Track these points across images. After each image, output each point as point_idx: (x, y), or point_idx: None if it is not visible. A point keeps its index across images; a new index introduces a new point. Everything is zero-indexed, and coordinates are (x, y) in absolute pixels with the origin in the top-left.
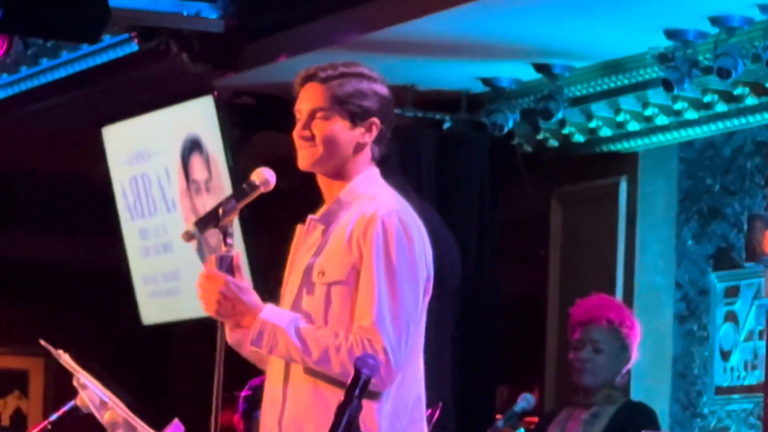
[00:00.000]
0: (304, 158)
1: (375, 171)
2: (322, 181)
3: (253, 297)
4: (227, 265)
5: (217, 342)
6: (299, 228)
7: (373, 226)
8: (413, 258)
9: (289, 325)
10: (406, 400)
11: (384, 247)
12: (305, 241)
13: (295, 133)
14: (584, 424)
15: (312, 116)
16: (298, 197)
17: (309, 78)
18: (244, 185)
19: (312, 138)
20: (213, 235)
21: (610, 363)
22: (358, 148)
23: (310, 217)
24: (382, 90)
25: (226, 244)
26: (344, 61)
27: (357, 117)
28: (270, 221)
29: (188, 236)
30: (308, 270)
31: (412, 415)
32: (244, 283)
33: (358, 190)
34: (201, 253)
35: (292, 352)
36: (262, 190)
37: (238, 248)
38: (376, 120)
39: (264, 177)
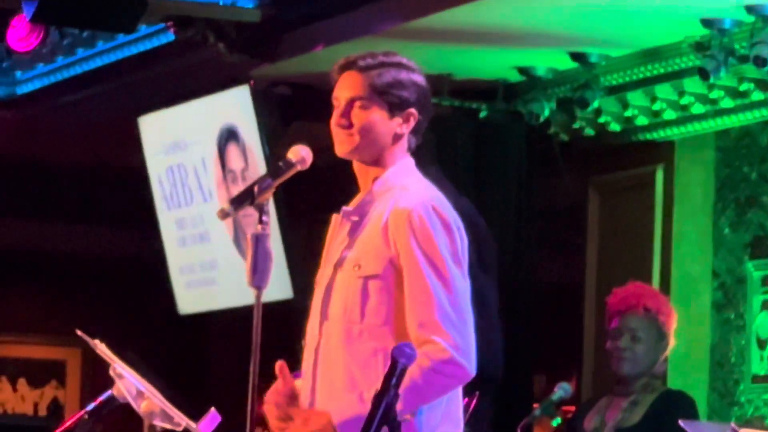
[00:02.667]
0: (342, 146)
1: (410, 161)
2: (358, 168)
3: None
4: (263, 244)
5: (253, 332)
6: (334, 218)
7: (409, 221)
8: (455, 242)
9: (361, 406)
10: None
11: (424, 241)
12: (339, 232)
13: (333, 122)
14: (623, 411)
15: (350, 105)
16: (335, 187)
17: (348, 66)
18: (281, 163)
19: (350, 126)
20: (250, 225)
21: (648, 351)
22: (396, 138)
23: (344, 208)
24: (421, 80)
25: (261, 222)
26: (383, 50)
27: (395, 107)
28: (306, 211)
29: (223, 214)
30: (343, 262)
31: (447, 408)
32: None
33: (392, 181)
34: (237, 241)
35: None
36: (299, 168)
37: (274, 240)
38: (413, 111)
39: (300, 155)
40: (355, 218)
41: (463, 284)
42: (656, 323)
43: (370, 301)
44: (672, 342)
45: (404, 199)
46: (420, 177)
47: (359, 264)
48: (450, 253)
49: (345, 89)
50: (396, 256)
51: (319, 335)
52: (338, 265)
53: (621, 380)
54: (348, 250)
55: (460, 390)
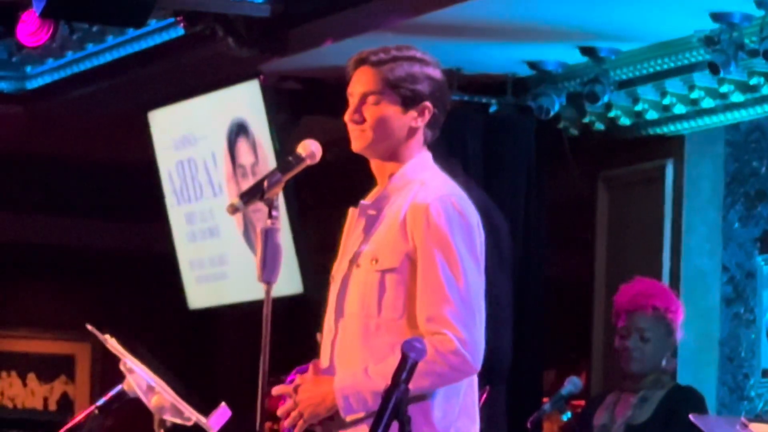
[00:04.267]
0: (356, 142)
1: (427, 155)
2: (374, 164)
3: (313, 386)
4: (273, 239)
5: (263, 327)
6: (351, 211)
7: (426, 215)
8: (472, 238)
9: (364, 379)
10: (457, 386)
11: (440, 236)
12: (357, 226)
13: (347, 117)
14: (633, 408)
15: (363, 100)
16: (345, 181)
17: (361, 62)
18: (290, 158)
19: (363, 121)
20: (259, 220)
21: (657, 349)
22: (411, 132)
23: (362, 202)
24: (436, 74)
25: (271, 216)
26: (397, 44)
27: (409, 101)
28: (316, 205)
29: (233, 209)
30: (360, 256)
31: (464, 401)
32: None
33: (410, 176)
34: (247, 235)
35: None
36: (308, 162)
37: (284, 235)
38: (428, 104)
39: (310, 149)
40: (372, 212)
41: (477, 280)
42: (664, 321)
43: (387, 294)
44: (680, 335)
45: (423, 194)
46: (438, 171)
47: (376, 258)
48: (467, 249)
49: (358, 84)
50: (413, 250)
51: (336, 330)
52: (354, 259)
53: (630, 377)
54: (365, 245)
55: (476, 385)
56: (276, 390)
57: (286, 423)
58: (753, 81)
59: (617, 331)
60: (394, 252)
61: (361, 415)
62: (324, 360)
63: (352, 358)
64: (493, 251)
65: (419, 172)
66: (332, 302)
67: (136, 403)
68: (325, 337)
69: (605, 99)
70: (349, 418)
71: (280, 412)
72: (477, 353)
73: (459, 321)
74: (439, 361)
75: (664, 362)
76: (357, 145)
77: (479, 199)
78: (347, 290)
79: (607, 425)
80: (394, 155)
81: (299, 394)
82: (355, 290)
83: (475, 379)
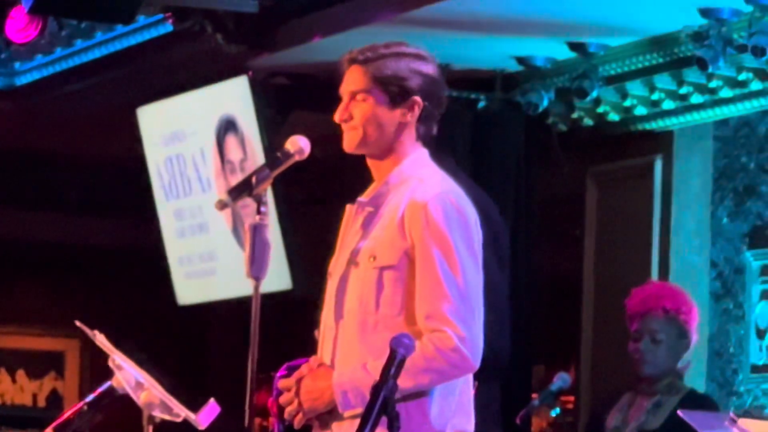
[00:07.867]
0: (348, 141)
1: (424, 152)
2: (370, 161)
3: (312, 381)
4: (261, 235)
5: (252, 323)
6: (348, 208)
7: (425, 213)
8: (470, 235)
9: (363, 374)
10: (454, 384)
11: (439, 233)
12: (354, 222)
13: (336, 116)
14: (647, 413)
15: (352, 98)
16: (334, 177)
17: (351, 61)
18: (278, 153)
19: (351, 119)
20: (248, 216)
21: (669, 352)
22: (401, 128)
23: (359, 199)
24: (427, 69)
25: (259, 212)
26: (386, 42)
27: (397, 97)
28: (304, 201)
29: (221, 205)
30: (358, 253)
31: (460, 399)
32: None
33: (407, 173)
34: (236, 231)
35: None
36: (297, 158)
37: (273, 231)
38: (417, 99)
39: (298, 145)
40: (370, 209)
41: (475, 277)
42: (676, 323)
43: (385, 291)
44: (695, 338)
45: (421, 191)
46: (435, 168)
47: (374, 255)
48: (465, 246)
49: (347, 84)
50: (411, 247)
51: (336, 330)
52: (353, 258)
53: (644, 380)
54: (363, 241)
55: (471, 382)
56: (282, 384)
57: (285, 415)
58: (742, 76)
59: (630, 335)
60: (393, 249)
61: (359, 410)
62: (324, 358)
63: (350, 355)
64: (491, 248)
65: (417, 169)
66: (330, 301)
67: (126, 399)
68: (326, 335)
69: (594, 94)
70: (346, 414)
71: (282, 401)
72: (476, 350)
73: (458, 318)
74: (438, 358)
75: (679, 365)
76: (349, 145)
77: (477, 197)
78: (346, 290)
79: (620, 428)
80: (388, 152)
81: (300, 387)
82: (354, 289)
83: (470, 376)
